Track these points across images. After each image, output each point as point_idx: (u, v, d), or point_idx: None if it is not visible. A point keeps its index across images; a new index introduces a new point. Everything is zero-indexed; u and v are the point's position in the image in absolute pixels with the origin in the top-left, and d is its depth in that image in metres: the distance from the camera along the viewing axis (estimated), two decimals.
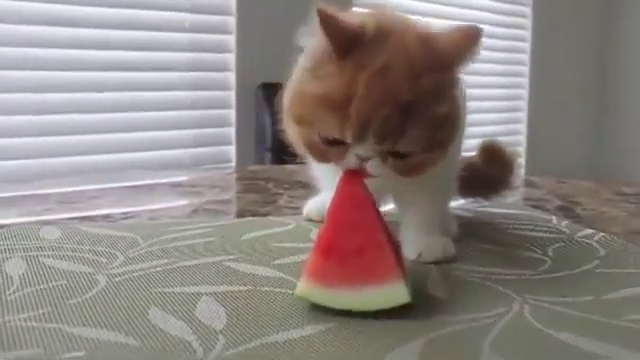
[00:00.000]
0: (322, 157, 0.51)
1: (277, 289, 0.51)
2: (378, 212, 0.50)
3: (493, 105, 2.90)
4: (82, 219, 0.78)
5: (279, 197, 0.95)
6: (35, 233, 0.67)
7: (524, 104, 3.05)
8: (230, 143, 1.98)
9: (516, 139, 3.02)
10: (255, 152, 1.83)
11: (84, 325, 0.43)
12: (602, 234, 0.69)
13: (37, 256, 0.59)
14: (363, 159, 0.48)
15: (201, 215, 0.82)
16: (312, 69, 0.48)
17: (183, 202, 0.94)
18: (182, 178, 1.22)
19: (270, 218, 0.78)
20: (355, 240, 0.46)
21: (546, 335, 0.43)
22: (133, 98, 1.78)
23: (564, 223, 0.75)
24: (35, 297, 0.48)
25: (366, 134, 0.46)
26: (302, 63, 0.51)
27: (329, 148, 0.49)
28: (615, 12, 3.30)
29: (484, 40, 0.48)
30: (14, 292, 0.49)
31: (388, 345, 0.40)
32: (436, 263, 0.58)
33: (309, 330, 0.43)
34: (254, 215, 0.81)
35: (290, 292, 0.50)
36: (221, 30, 1.91)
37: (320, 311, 0.46)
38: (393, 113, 0.45)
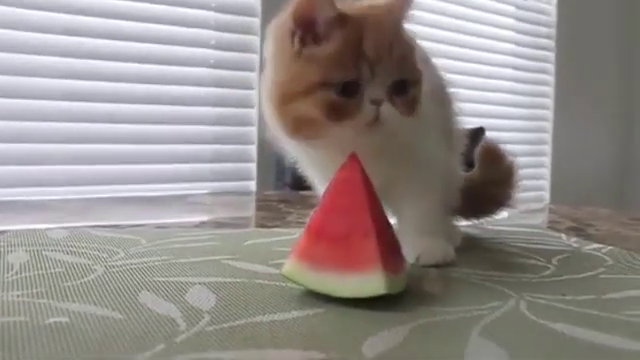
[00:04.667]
0: (339, 116, 0.51)
1: (271, 282, 0.51)
2: (373, 197, 0.49)
3: (516, 124, 2.92)
4: (91, 228, 0.79)
5: (288, 215, 0.95)
6: (42, 234, 0.68)
7: (549, 125, 3.05)
8: (252, 160, 2.04)
9: (540, 160, 3.02)
10: (275, 174, 1.94)
11: (73, 302, 0.43)
12: (611, 247, 0.68)
13: (40, 250, 0.60)
14: (378, 102, 0.51)
15: (209, 226, 0.83)
16: (297, 52, 0.52)
17: (194, 218, 0.95)
18: (199, 197, 1.23)
19: (276, 229, 0.78)
20: (344, 225, 0.46)
21: (540, 325, 0.41)
22: (156, 111, 1.85)
23: (574, 239, 0.74)
24: (32, 280, 0.49)
25: (378, 68, 0.51)
26: (276, 54, 0.55)
27: (346, 102, 0.51)
28: None
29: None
30: (12, 275, 0.50)
31: (373, 328, 0.40)
32: (435, 267, 0.57)
33: (295, 314, 0.42)
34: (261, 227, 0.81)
35: (283, 284, 0.49)
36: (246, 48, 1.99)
37: (309, 299, 0.45)
38: (395, 43, 0.53)
